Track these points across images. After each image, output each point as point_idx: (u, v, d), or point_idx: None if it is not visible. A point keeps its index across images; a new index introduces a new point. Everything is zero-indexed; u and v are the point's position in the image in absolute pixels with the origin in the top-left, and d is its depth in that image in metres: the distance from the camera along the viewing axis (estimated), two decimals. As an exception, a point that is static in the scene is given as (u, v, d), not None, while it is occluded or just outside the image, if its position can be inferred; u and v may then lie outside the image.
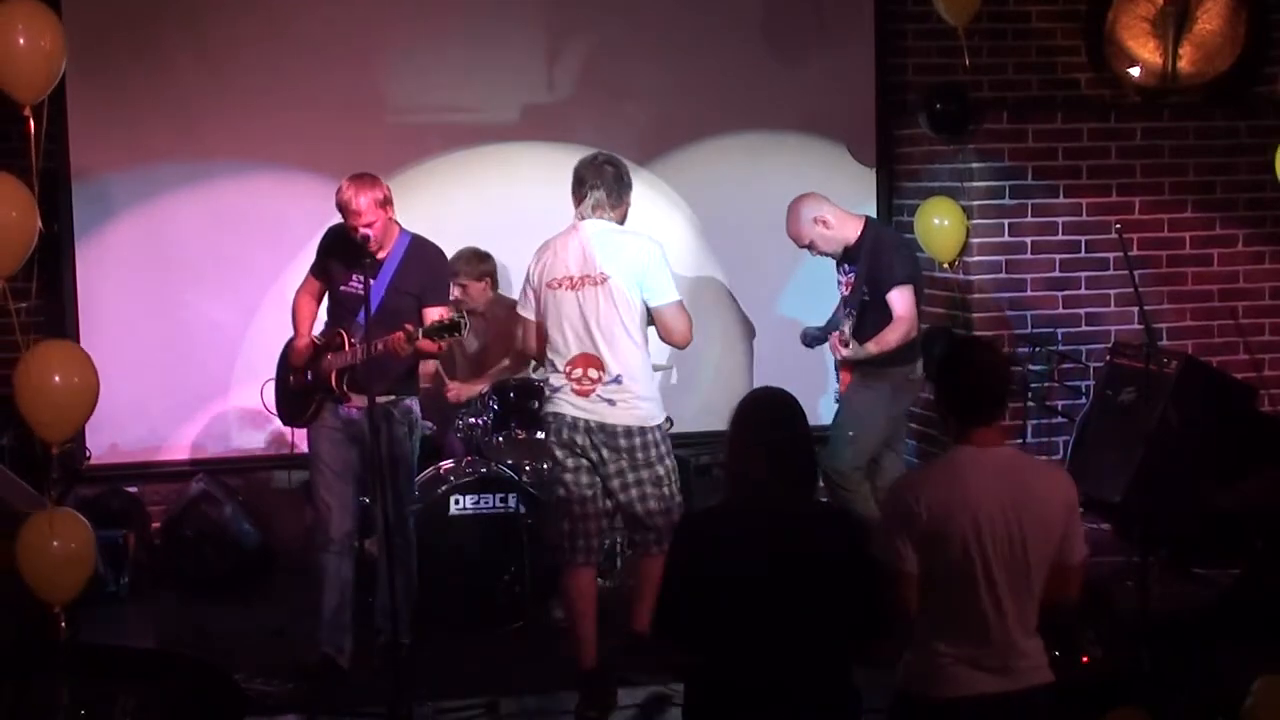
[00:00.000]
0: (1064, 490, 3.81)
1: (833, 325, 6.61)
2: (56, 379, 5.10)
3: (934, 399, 3.98)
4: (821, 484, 6.83)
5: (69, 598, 5.28)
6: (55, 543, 5.17)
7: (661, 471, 5.49)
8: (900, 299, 6.34)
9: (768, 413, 3.99)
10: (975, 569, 3.66)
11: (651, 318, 5.50)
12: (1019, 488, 3.72)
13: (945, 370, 3.88)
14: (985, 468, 3.72)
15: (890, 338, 6.32)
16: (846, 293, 6.52)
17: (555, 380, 5.48)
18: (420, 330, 5.52)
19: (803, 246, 6.54)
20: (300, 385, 5.89)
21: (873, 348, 6.34)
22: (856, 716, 3.89)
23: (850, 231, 6.47)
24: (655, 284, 5.44)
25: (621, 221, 5.57)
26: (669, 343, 5.63)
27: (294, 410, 5.95)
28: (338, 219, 5.73)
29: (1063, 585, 3.79)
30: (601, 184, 5.51)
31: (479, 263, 6.92)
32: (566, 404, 5.45)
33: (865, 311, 6.38)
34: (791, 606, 3.75)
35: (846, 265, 6.49)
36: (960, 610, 3.68)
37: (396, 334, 5.47)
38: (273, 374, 6.08)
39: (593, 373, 5.39)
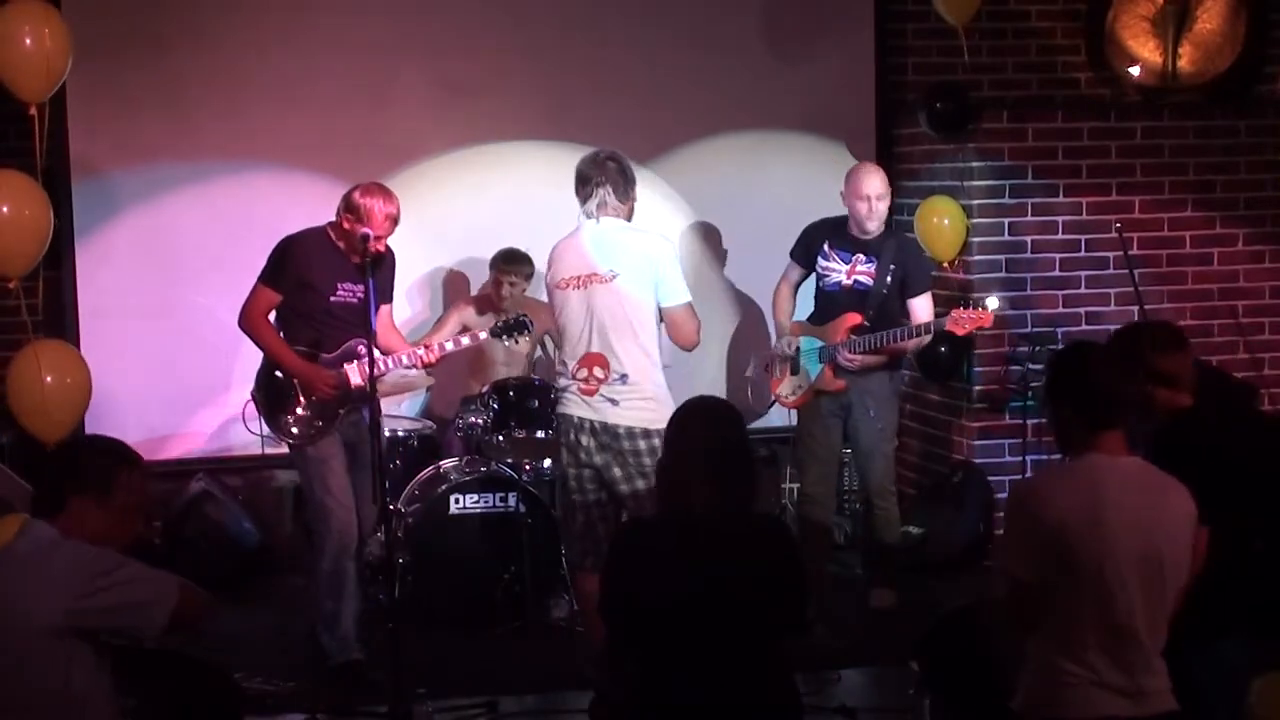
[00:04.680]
0: (1189, 505, 3.60)
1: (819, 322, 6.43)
2: (49, 379, 5.11)
3: (1052, 410, 3.70)
4: (855, 507, 6.79)
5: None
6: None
7: None
8: (927, 305, 6.34)
9: (706, 422, 3.91)
10: (1110, 585, 3.44)
11: (661, 317, 5.36)
12: (1155, 502, 3.53)
13: (1072, 376, 3.65)
14: (1119, 479, 3.52)
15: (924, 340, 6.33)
16: (858, 283, 6.30)
17: (563, 381, 5.36)
18: (489, 329, 5.77)
19: (861, 209, 6.23)
20: (326, 402, 5.69)
21: (911, 347, 6.34)
22: (797, 717, 3.85)
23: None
24: (668, 283, 5.30)
25: (629, 218, 5.40)
26: (677, 343, 5.46)
27: (319, 428, 5.71)
28: (331, 219, 5.71)
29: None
30: (606, 180, 5.31)
31: (527, 264, 6.97)
32: (573, 404, 5.30)
33: (883, 308, 6.29)
34: (726, 617, 3.67)
35: (864, 255, 6.29)
36: (1092, 628, 3.46)
37: (429, 349, 5.64)
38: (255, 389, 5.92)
39: (598, 371, 5.23)
